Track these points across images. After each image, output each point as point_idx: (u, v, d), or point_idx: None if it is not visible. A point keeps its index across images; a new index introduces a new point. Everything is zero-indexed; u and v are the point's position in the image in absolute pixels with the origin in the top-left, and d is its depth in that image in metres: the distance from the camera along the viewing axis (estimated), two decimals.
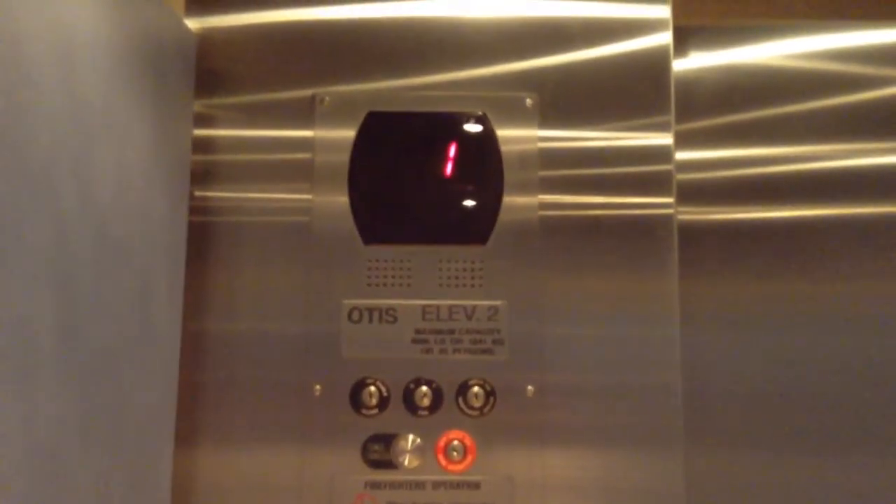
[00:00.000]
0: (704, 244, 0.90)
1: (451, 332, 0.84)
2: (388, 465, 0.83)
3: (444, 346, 0.84)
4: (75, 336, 0.57)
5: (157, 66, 0.76)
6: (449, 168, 0.87)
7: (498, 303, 0.85)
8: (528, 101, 0.88)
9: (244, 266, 0.85)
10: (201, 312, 0.84)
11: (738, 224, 0.91)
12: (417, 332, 0.84)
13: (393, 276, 0.85)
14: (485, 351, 0.84)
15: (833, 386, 0.88)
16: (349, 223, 0.85)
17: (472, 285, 0.85)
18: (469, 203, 0.87)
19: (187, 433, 0.82)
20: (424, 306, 0.85)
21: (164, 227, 0.78)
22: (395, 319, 0.84)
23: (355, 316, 0.84)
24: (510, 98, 0.88)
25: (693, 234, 0.89)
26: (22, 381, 0.50)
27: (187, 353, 0.82)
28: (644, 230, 0.86)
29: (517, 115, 0.88)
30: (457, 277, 0.85)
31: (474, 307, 0.85)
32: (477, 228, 0.86)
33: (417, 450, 0.83)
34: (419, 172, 0.87)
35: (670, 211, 0.86)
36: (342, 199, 0.86)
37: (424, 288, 0.85)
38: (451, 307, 0.85)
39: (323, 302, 0.84)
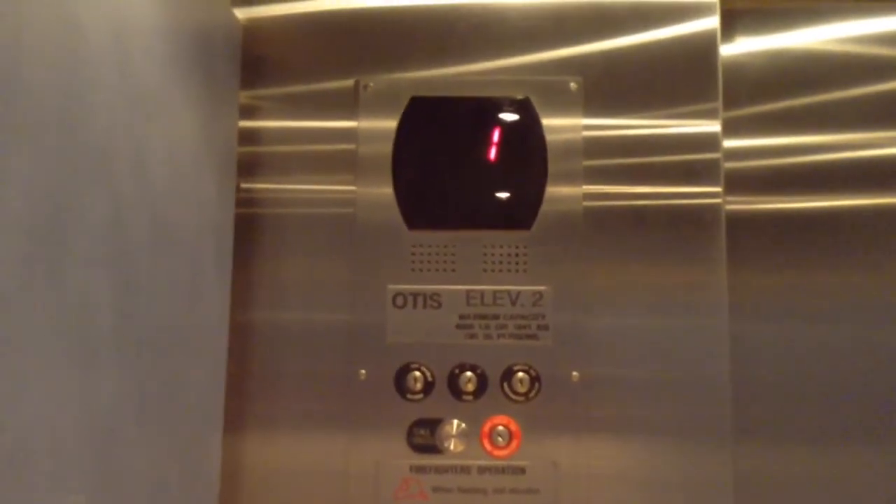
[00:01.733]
0: (752, 234, 0.88)
1: (496, 317, 0.84)
2: (434, 449, 0.83)
3: (489, 331, 0.84)
4: (131, 317, 0.59)
5: (206, 55, 0.77)
6: (492, 153, 0.87)
7: (542, 288, 0.85)
8: (573, 86, 0.87)
9: (289, 257, 0.86)
10: (248, 303, 0.85)
11: (787, 213, 0.89)
12: (462, 317, 0.85)
13: (437, 262, 0.85)
14: (529, 336, 0.84)
15: (882, 378, 0.86)
16: (393, 209, 0.86)
17: (517, 271, 0.85)
18: (513, 188, 0.87)
19: (235, 421, 0.83)
20: (468, 291, 0.85)
21: (212, 216, 0.79)
22: (440, 305, 0.85)
23: (399, 301, 0.85)
24: (554, 82, 0.88)
25: (741, 224, 0.87)
26: (81, 359, 0.51)
27: (234, 343, 0.83)
28: (691, 220, 0.85)
29: (561, 100, 0.87)
30: (501, 263, 0.85)
31: (518, 292, 0.85)
32: (521, 213, 0.86)
33: (462, 435, 0.83)
34: (463, 157, 0.87)
35: (718, 200, 0.85)
36: (386, 186, 0.86)
37: (469, 273, 0.85)
38: (495, 292, 0.85)
39: (367, 287, 0.85)
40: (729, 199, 0.87)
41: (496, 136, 0.87)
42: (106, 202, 0.54)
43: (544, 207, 0.86)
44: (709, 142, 0.86)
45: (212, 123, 0.78)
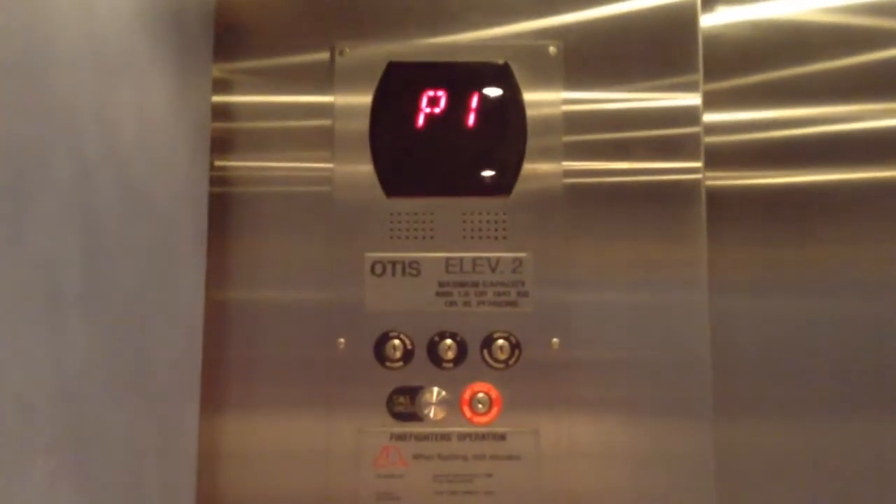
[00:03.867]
0: (733, 210, 0.87)
1: (475, 284, 0.84)
2: (414, 417, 0.83)
3: (468, 298, 0.84)
4: (100, 279, 0.58)
5: (177, 18, 0.75)
6: (471, 118, 0.86)
7: (522, 255, 0.84)
8: (552, 50, 0.86)
9: (266, 234, 0.85)
10: (223, 282, 0.84)
11: (769, 189, 0.88)
12: (441, 284, 0.84)
13: (416, 229, 0.84)
14: (509, 303, 0.84)
15: (866, 351, 0.86)
16: (371, 177, 0.85)
17: (496, 237, 0.84)
18: (492, 154, 0.86)
19: (213, 397, 0.82)
20: (448, 259, 0.84)
21: (186, 188, 0.78)
22: (419, 272, 0.84)
23: (378, 269, 0.84)
24: (533, 47, 0.87)
25: (722, 200, 0.87)
26: (48, 321, 0.50)
27: (210, 322, 0.82)
28: (671, 196, 0.85)
29: (540, 65, 0.86)
30: (480, 229, 0.85)
31: (498, 259, 0.84)
32: (500, 179, 0.85)
33: (443, 402, 0.83)
34: (441, 123, 0.86)
35: (698, 176, 0.85)
36: (365, 156, 0.85)
37: (448, 240, 0.84)
38: (474, 259, 0.84)
39: (345, 256, 0.84)
40: (709, 174, 0.86)
41: (475, 101, 0.86)
42: (71, 161, 0.53)
43: (524, 173, 0.85)
44: (689, 115, 0.86)
45: (184, 93, 0.77)
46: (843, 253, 0.87)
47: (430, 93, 0.86)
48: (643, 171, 0.85)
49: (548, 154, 0.85)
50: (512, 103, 0.86)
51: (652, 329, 0.83)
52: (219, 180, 0.85)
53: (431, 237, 0.84)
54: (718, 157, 0.87)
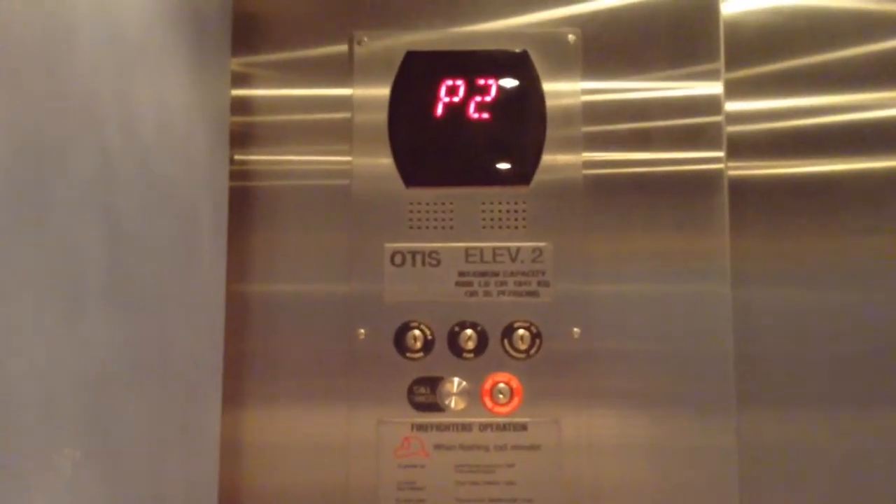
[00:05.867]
0: (756, 199, 0.86)
1: (496, 274, 0.83)
2: (435, 407, 0.82)
3: (489, 288, 0.83)
4: (122, 271, 0.58)
5: (195, 9, 0.75)
6: (490, 107, 0.85)
7: (542, 244, 0.84)
8: (571, 38, 0.86)
9: (286, 227, 0.85)
10: (244, 275, 0.84)
11: (792, 178, 0.86)
12: (461, 274, 0.84)
13: (435, 219, 0.84)
14: (530, 293, 0.83)
15: (892, 342, 0.85)
16: (390, 166, 0.85)
17: (516, 227, 0.84)
18: (511, 143, 0.86)
19: (234, 392, 0.82)
20: (467, 248, 0.84)
21: (207, 179, 0.78)
22: (438, 262, 0.84)
23: (398, 259, 0.84)
24: (552, 34, 0.86)
25: (744, 189, 0.85)
26: (70, 309, 0.50)
27: (231, 315, 0.83)
28: (693, 186, 0.84)
29: (559, 52, 0.85)
30: (500, 219, 0.84)
31: (518, 249, 0.84)
32: (520, 168, 0.85)
33: (463, 392, 0.82)
34: (459, 112, 0.85)
35: (720, 166, 0.84)
36: (384, 146, 0.85)
37: (467, 230, 0.84)
38: (494, 249, 0.84)
39: (365, 247, 0.84)
40: (731, 163, 0.85)
41: (493, 90, 0.85)
42: (91, 151, 0.53)
43: (543, 163, 0.84)
44: (711, 104, 0.85)
45: (203, 85, 0.77)
46: (868, 242, 0.86)
47: (449, 82, 0.85)
48: (664, 162, 0.84)
49: (567, 144, 0.84)
50: (531, 91, 0.85)
51: (675, 320, 0.82)
52: (238, 174, 0.85)
53: (451, 227, 0.84)
54: (741, 147, 0.86)
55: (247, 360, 0.83)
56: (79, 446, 0.51)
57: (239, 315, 0.83)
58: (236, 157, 0.85)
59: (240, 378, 0.83)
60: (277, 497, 0.82)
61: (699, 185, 0.84)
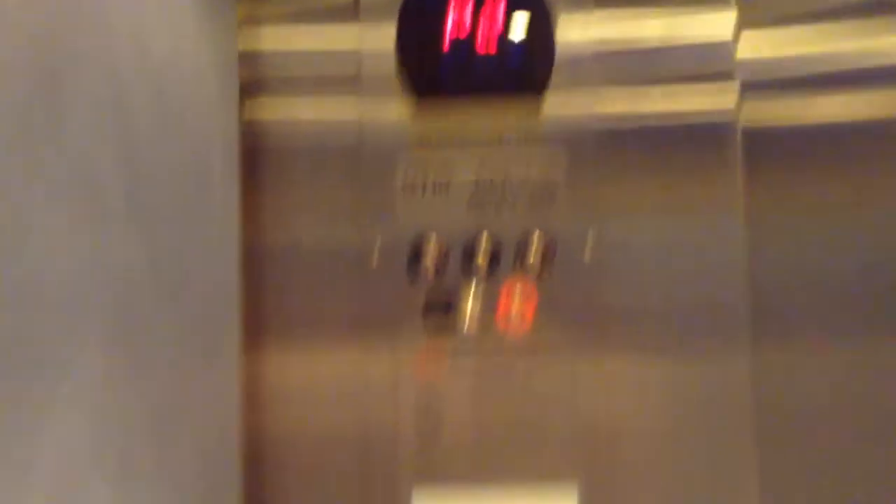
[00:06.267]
0: (769, 146, 0.83)
1: (510, 185, 0.82)
2: (449, 330, 0.81)
3: (503, 200, 0.82)
4: (137, 185, 0.56)
5: None
6: (500, 15, 0.83)
7: (557, 151, 0.82)
8: None
9: (294, 170, 0.83)
10: (254, 226, 0.82)
11: (806, 124, 0.83)
12: (475, 185, 0.82)
13: (447, 132, 0.82)
14: (544, 204, 0.82)
15: None
16: (398, 78, 0.83)
17: (529, 139, 0.82)
18: (523, 52, 0.83)
19: (250, 334, 0.80)
20: (480, 161, 0.82)
21: (216, 110, 0.75)
22: (451, 178, 0.82)
23: (410, 174, 0.82)
24: None
25: (756, 136, 0.83)
26: (89, 218, 0.49)
27: (244, 264, 0.80)
28: (704, 133, 0.82)
29: None
30: (513, 129, 0.82)
31: (532, 157, 0.83)
32: (532, 78, 0.83)
33: (478, 314, 0.81)
34: (469, 22, 0.83)
35: (732, 107, 0.82)
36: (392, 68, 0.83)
37: (479, 143, 0.82)
38: (507, 160, 0.83)
39: (375, 161, 0.82)
40: (744, 109, 0.82)
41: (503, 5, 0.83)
42: (106, 72, 0.52)
43: (557, 67, 0.82)
44: (722, 51, 0.82)
45: (211, 20, 0.74)
46: (884, 185, 0.83)
47: None
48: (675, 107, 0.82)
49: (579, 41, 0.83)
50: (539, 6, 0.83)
51: (688, 269, 0.81)
52: (246, 125, 0.82)
53: (463, 140, 0.82)
54: (754, 93, 0.83)
55: (262, 296, 0.81)
56: (100, 348, 0.50)
57: (250, 262, 0.81)
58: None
59: (254, 318, 0.81)
60: (297, 432, 0.81)
61: (711, 132, 0.82)
